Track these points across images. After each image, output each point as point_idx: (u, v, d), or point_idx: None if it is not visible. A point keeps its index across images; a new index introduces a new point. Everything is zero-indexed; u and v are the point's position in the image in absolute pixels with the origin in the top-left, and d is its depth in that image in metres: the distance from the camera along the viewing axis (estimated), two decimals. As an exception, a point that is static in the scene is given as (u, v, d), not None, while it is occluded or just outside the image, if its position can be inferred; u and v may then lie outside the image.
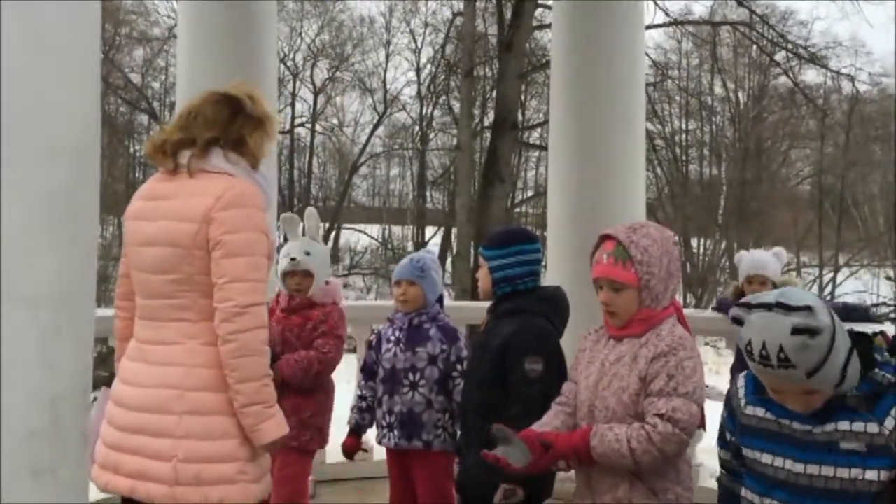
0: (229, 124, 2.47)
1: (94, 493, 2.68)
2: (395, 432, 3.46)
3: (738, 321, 1.90)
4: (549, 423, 2.54)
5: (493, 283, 3.01)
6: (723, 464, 2.22)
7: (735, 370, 4.48)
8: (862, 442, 1.83)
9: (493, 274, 3.00)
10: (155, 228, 2.41)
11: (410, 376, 3.45)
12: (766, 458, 1.95)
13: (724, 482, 2.22)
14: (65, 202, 1.66)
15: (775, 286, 4.30)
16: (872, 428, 1.83)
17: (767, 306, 1.84)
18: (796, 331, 1.77)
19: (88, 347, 1.79)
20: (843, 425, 1.85)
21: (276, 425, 2.38)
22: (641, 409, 2.36)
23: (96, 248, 1.76)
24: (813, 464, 1.86)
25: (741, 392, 2.06)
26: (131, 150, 25.65)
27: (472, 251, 15.58)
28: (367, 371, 3.68)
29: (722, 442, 2.18)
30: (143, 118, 25.29)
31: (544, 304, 2.97)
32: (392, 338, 3.54)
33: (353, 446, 3.71)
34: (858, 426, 1.84)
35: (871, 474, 1.81)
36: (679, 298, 5.64)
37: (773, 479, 1.93)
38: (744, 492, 2.04)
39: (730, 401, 2.11)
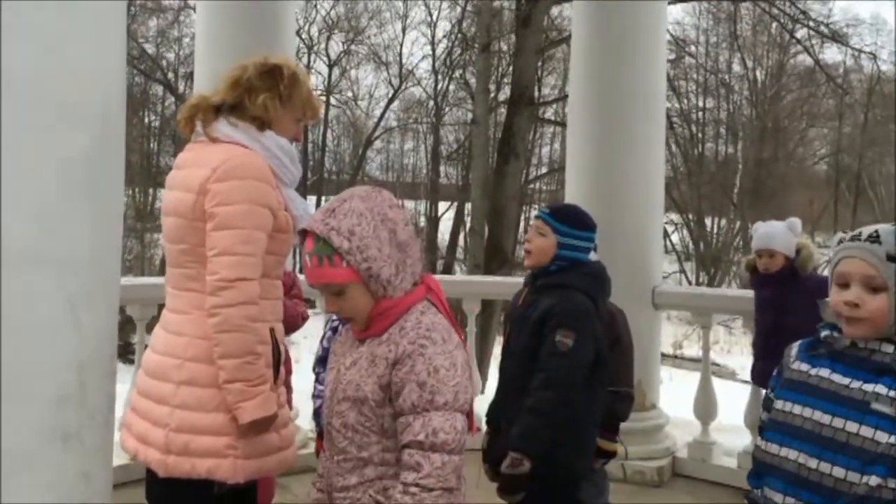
0: (232, 90, 2.48)
1: (119, 460, 2.73)
2: None
3: None
4: None
5: (553, 258, 2.97)
6: (761, 427, 2.13)
7: (758, 358, 4.40)
8: (894, 408, 1.80)
9: (560, 251, 2.96)
10: (170, 197, 2.46)
11: None
12: (797, 409, 1.93)
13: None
14: (91, 167, 1.67)
15: (787, 259, 4.23)
16: None
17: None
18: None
19: (114, 313, 1.82)
20: (882, 389, 1.82)
21: (257, 405, 2.28)
22: (387, 425, 1.90)
23: (122, 213, 1.78)
24: (840, 417, 1.84)
25: (794, 352, 2.04)
26: (146, 120, 25.68)
27: (486, 226, 15.56)
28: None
29: (766, 402, 2.13)
30: (158, 89, 25.29)
31: (586, 279, 2.94)
32: None
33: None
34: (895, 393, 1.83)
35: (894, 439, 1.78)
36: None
37: (797, 430, 1.91)
38: (759, 442, 2.01)
39: (781, 364, 2.06)
